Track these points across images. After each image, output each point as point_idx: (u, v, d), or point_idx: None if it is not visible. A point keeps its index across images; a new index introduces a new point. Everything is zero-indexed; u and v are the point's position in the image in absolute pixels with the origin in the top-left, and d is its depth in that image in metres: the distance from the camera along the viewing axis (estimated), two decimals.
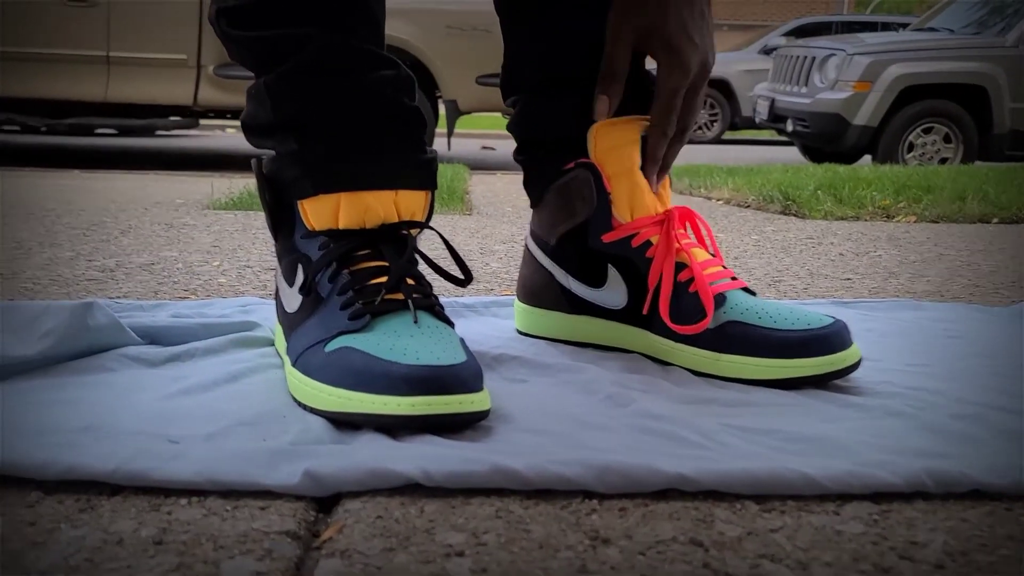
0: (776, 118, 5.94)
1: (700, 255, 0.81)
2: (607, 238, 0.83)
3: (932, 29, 5.94)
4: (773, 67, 6.27)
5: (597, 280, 0.85)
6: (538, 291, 0.89)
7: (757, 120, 6.38)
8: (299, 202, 0.73)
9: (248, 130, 0.78)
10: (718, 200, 2.63)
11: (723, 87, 8.44)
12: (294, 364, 0.70)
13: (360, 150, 0.73)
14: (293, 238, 0.75)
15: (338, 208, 0.72)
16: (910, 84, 5.24)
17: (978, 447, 0.62)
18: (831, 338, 0.75)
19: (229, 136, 6.93)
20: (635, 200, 0.83)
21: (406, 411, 0.60)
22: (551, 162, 0.86)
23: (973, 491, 0.55)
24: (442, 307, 0.71)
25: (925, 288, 1.29)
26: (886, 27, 8.44)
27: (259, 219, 1.78)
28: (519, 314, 0.92)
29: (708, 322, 0.77)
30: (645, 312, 0.81)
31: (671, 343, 0.80)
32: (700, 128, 8.47)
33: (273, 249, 0.79)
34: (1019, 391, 0.74)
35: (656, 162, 0.83)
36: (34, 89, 4.05)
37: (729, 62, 8.38)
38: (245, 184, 2.45)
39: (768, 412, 0.69)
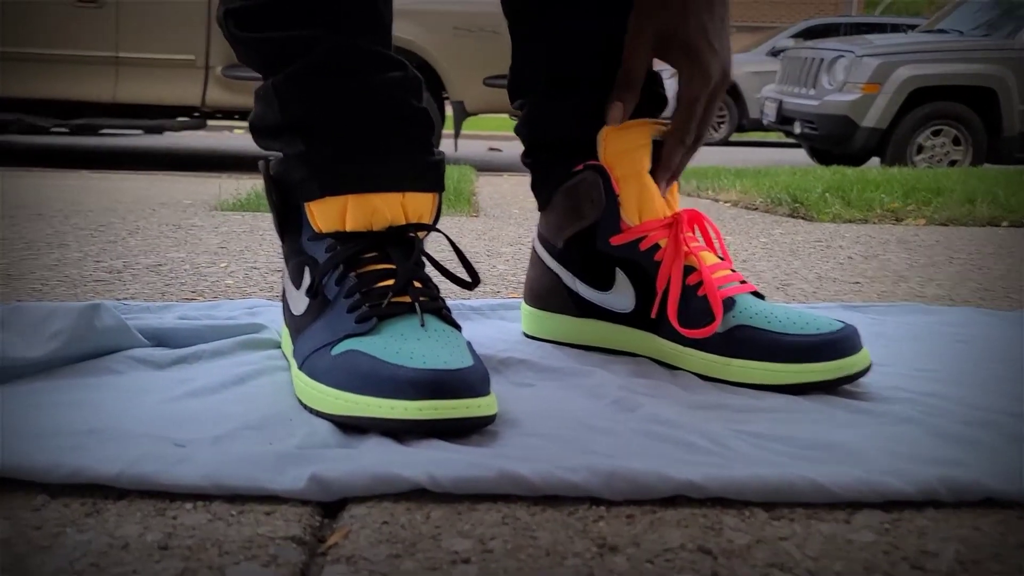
0: (784, 120, 5.93)
1: (709, 258, 0.81)
2: (615, 241, 0.83)
3: (941, 31, 5.92)
4: (781, 69, 6.26)
5: (605, 283, 0.84)
6: (545, 294, 0.89)
7: (765, 122, 6.37)
8: (306, 204, 0.73)
9: (256, 132, 0.78)
10: (726, 202, 2.62)
11: (731, 89, 8.42)
12: (300, 367, 0.69)
13: (367, 152, 0.73)
14: (300, 240, 0.75)
15: (345, 210, 0.72)
16: (919, 86, 5.22)
17: (990, 453, 0.61)
18: (841, 343, 0.75)
19: (237, 137, 6.94)
20: (644, 203, 0.82)
21: (413, 415, 0.60)
22: (559, 164, 0.86)
23: (985, 499, 0.55)
24: (449, 310, 0.71)
25: (935, 292, 1.28)
26: (895, 29, 8.41)
27: (266, 220, 1.78)
28: (526, 317, 0.92)
29: (717, 326, 0.76)
30: (653, 316, 0.81)
31: (679, 347, 0.79)
32: None
33: (280, 251, 0.79)
34: None
35: (670, 169, 0.83)
36: (43, 90, 4.07)
37: (737, 64, 8.31)
38: (253, 185, 2.45)
39: (777, 418, 0.69)
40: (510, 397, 0.70)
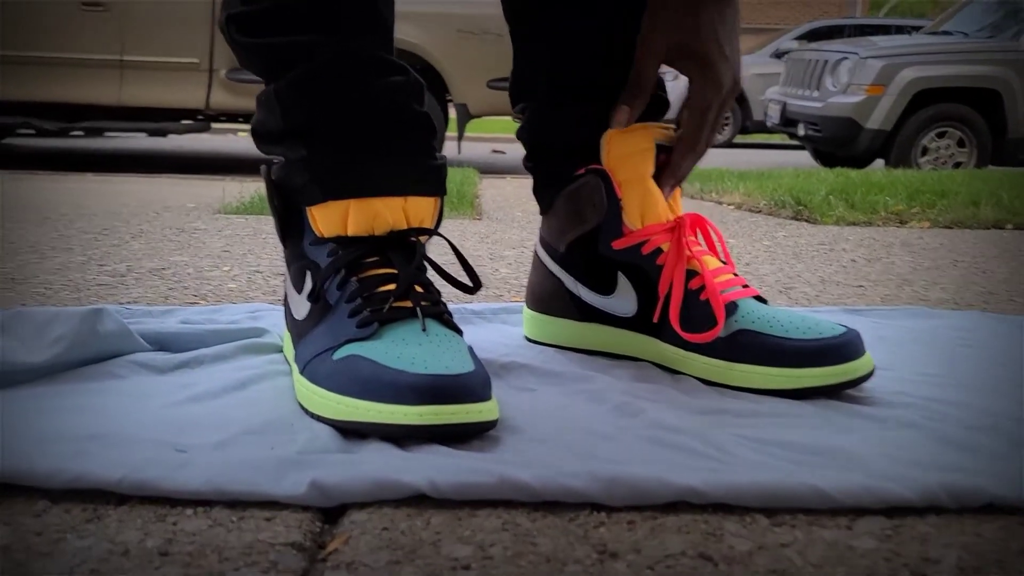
0: (788, 122, 5.92)
1: (711, 263, 0.81)
2: (617, 245, 0.83)
3: (946, 32, 5.91)
4: (785, 71, 6.25)
5: (607, 287, 0.84)
6: (547, 298, 0.89)
7: (768, 124, 6.36)
8: (308, 209, 0.73)
9: (258, 137, 0.78)
10: (729, 205, 2.62)
11: None
12: (302, 372, 0.70)
13: (369, 156, 0.73)
14: (302, 244, 0.75)
15: (347, 215, 0.72)
16: (924, 88, 5.21)
17: (993, 459, 0.61)
18: (844, 347, 0.74)
19: (240, 140, 6.95)
20: (646, 207, 0.82)
21: (413, 421, 0.60)
22: (561, 168, 0.86)
23: (987, 505, 0.55)
24: (451, 315, 0.71)
25: (939, 295, 1.28)
26: (900, 30, 8.40)
27: (270, 224, 1.78)
28: (528, 321, 0.92)
29: (719, 330, 0.76)
30: (655, 320, 0.81)
31: (681, 352, 0.79)
32: None
33: (283, 254, 0.79)
34: None
35: (676, 176, 0.83)
36: (49, 93, 4.08)
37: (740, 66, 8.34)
38: (256, 188, 2.45)
39: (779, 423, 0.68)
40: (511, 402, 0.70)
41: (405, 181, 0.73)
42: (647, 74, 0.82)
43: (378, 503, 0.53)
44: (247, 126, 5.17)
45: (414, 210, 0.73)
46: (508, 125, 8.30)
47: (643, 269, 0.82)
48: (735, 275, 0.82)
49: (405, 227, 0.73)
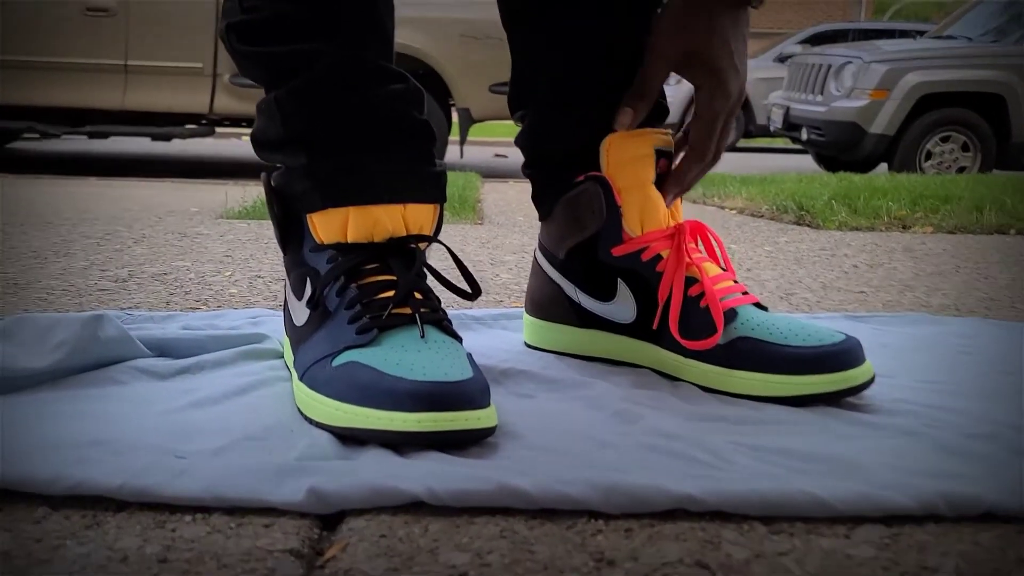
0: (791, 126, 5.92)
1: (711, 269, 0.81)
2: (617, 251, 0.83)
3: (950, 37, 5.90)
4: (788, 75, 6.25)
5: (606, 294, 0.84)
6: (547, 304, 0.89)
7: (772, 128, 6.36)
8: (308, 215, 0.74)
9: (258, 144, 0.78)
10: (731, 209, 2.62)
11: None
12: (301, 378, 0.70)
13: (369, 164, 0.73)
14: (302, 251, 0.75)
15: (347, 222, 0.72)
16: (928, 92, 5.21)
17: (993, 467, 0.61)
18: (843, 355, 0.74)
19: (244, 144, 6.97)
20: (646, 213, 0.82)
21: (412, 427, 0.60)
22: (560, 175, 0.86)
23: (985, 514, 0.54)
24: (450, 321, 0.71)
25: (941, 301, 1.27)
26: (903, 35, 8.40)
27: (271, 229, 1.79)
28: (527, 327, 0.92)
29: (718, 338, 0.76)
30: (655, 327, 0.81)
31: (681, 358, 0.79)
32: None
33: (283, 260, 0.79)
34: None
35: (681, 185, 0.83)
36: (54, 97, 4.10)
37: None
38: (259, 193, 2.46)
39: (779, 430, 0.68)
40: (510, 409, 0.70)
41: (404, 188, 0.73)
42: (655, 78, 0.82)
43: (376, 510, 0.53)
44: (250, 130, 5.19)
45: (413, 217, 0.73)
46: (510, 129, 8.30)
47: (643, 276, 0.82)
48: (735, 282, 0.82)
49: (404, 234, 0.73)
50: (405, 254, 0.73)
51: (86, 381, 0.74)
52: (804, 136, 5.73)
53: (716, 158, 0.84)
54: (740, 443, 0.64)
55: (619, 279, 0.83)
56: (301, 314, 0.74)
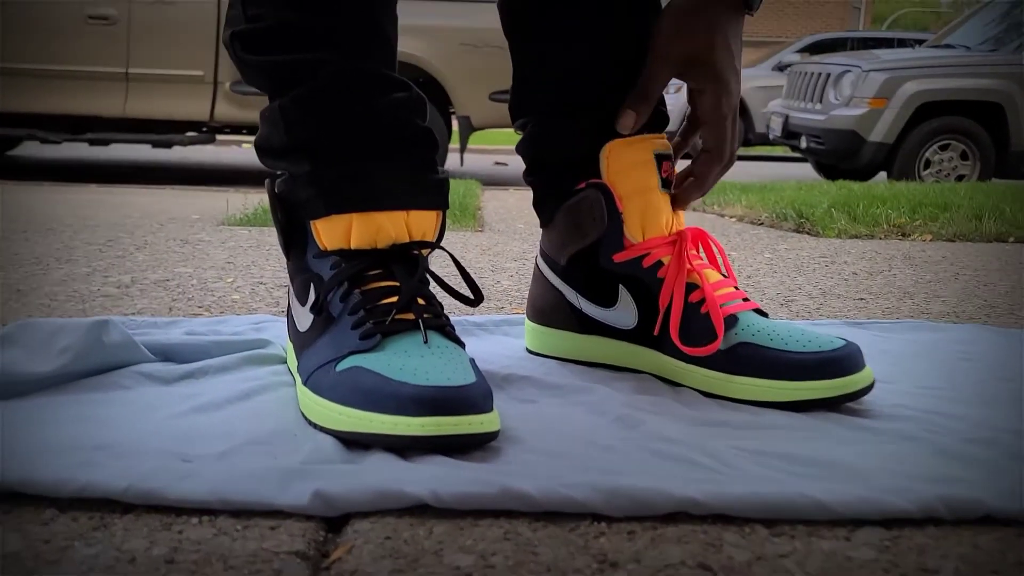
0: (790, 135, 5.93)
1: (712, 276, 0.81)
2: (618, 258, 0.83)
3: (948, 46, 5.92)
4: (787, 84, 6.27)
5: (608, 300, 0.85)
6: (548, 310, 0.90)
7: (771, 137, 6.37)
8: (311, 222, 0.74)
9: (262, 152, 0.79)
10: (731, 217, 2.63)
11: None
12: (305, 383, 0.70)
13: (372, 171, 0.74)
14: (305, 257, 0.76)
15: (350, 228, 0.73)
16: (926, 101, 5.22)
17: (992, 472, 0.61)
18: (843, 361, 0.75)
19: (245, 151, 6.98)
20: (647, 220, 0.83)
21: (416, 432, 0.61)
22: (562, 182, 0.87)
23: (985, 517, 0.55)
24: (452, 327, 0.72)
25: (940, 308, 1.28)
26: (902, 44, 8.42)
27: (273, 236, 1.79)
28: (529, 333, 0.93)
29: (719, 344, 0.77)
30: (656, 333, 0.82)
31: (682, 364, 0.80)
32: None
33: (286, 266, 0.79)
34: None
35: (703, 189, 0.84)
36: (55, 105, 4.11)
37: (743, 78, 8.35)
38: (260, 200, 2.47)
39: (779, 435, 0.69)
40: (513, 414, 0.71)
41: (407, 195, 0.74)
42: (657, 82, 0.83)
43: (381, 512, 0.53)
44: (251, 138, 5.20)
45: (416, 224, 0.74)
46: (511, 137, 8.33)
47: (644, 282, 0.82)
48: (735, 288, 0.82)
49: (407, 240, 0.74)
50: (408, 260, 0.73)
51: (91, 386, 0.74)
52: (803, 144, 5.74)
53: (733, 158, 0.85)
54: (741, 448, 0.65)
55: (620, 285, 0.84)
56: (305, 319, 0.74)
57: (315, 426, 0.67)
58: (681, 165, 0.89)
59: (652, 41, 0.83)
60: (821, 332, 0.79)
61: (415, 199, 0.74)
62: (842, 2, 19.70)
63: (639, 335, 0.83)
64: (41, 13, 4.03)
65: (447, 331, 0.70)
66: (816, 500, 0.55)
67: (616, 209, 0.83)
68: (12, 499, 0.53)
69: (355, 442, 0.63)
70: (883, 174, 5.44)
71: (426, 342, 0.67)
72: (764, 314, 0.82)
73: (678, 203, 0.86)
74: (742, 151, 9.06)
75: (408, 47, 4.06)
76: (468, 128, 4.44)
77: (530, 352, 0.92)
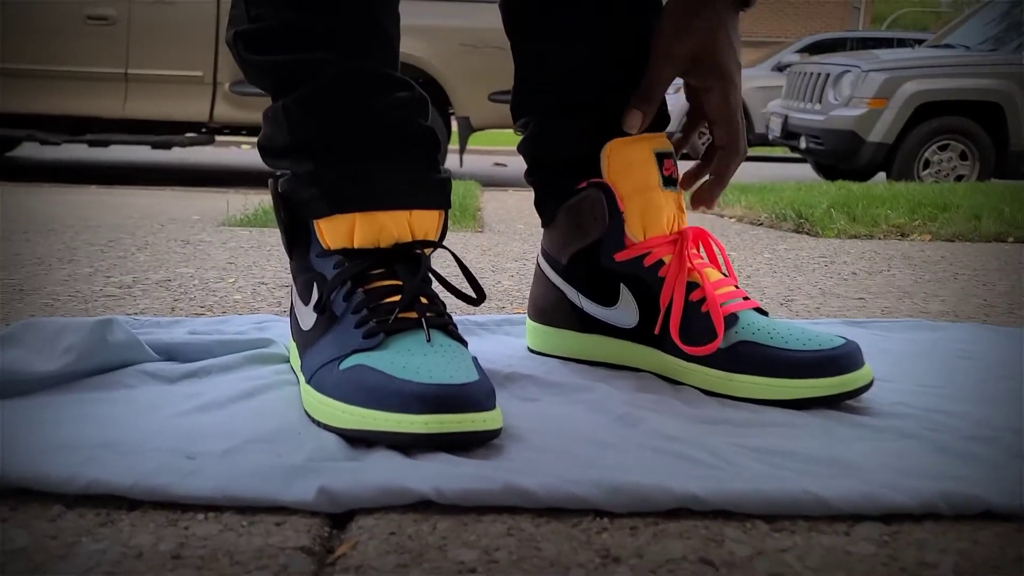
0: (789, 135, 5.94)
1: (712, 275, 0.82)
2: (619, 257, 0.84)
3: (948, 46, 5.93)
4: (786, 84, 6.27)
5: (609, 299, 0.85)
6: (549, 310, 0.90)
7: (770, 137, 6.38)
8: (315, 221, 0.75)
9: (265, 151, 0.79)
10: (731, 218, 2.63)
11: None
12: (309, 381, 0.71)
13: (375, 171, 0.74)
14: (308, 257, 0.76)
15: (353, 228, 0.73)
16: (926, 101, 5.23)
17: (991, 469, 0.62)
18: (842, 359, 0.75)
19: (244, 152, 6.99)
20: (648, 219, 0.83)
21: (419, 429, 0.61)
22: (563, 182, 0.87)
23: (984, 512, 0.55)
24: (455, 325, 0.72)
25: (939, 308, 1.28)
26: (901, 44, 8.43)
27: (273, 236, 1.80)
28: (530, 332, 0.93)
29: (719, 343, 0.77)
30: (656, 332, 0.82)
31: (682, 362, 0.80)
32: None
33: (287, 266, 0.80)
34: None
35: (723, 183, 0.86)
36: (54, 106, 4.12)
37: (742, 79, 8.37)
38: (260, 201, 2.47)
39: (779, 432, 0.69)
40: (515, 412, 0.71)
41: (410, 195, 0.74)
42: (662, 81, 0.83)
43: (385, 509, 0.54)
44: (251, 139, 5.21)
45: (419, 223, 0.75)
46: (510, 138, 8.33)
47: (645, 281, 0.83)
48: (736, 287, 0.83)
49: (410, 240, 0.74)
50: (411, 260, 0.74)
51: (95, 384, 0.74)
52: (803, 145, 5.75)
53: (747, 149, 0.86)
54: (742, 445, 0.65)
55: (621, 284, 0.84)
56: (308, 319, 0.75)
57: (319, 424, 0.67)
58: (682, 165, 0.89)
59: (654, 41, 0.83)
60: (821, 331, 0.79)
61: (417, 198, 0.74)
62: (842, 2, 19.72)
63: (640, 334, 0.84)
64: (40, 13, 4.03)
65: (450, 330, 0.71)
66: (816, 496, 0.55)
67: (617, 208, 0.84)
68: (19, 496, 0.54)
69: (359, 439, 0.64)
70: (882, 174, 5.45)
71: (429, 341, 0.68)
72: (764, 313, 0.82)
73: (703, 202, 0.87)
74: None
75: (407, 47, 4.03)
76: (467, 129, 4.45)
77: (532, 351, 0.93)
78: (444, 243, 0.77)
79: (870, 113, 5.26)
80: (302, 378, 0.73)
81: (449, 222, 1.86)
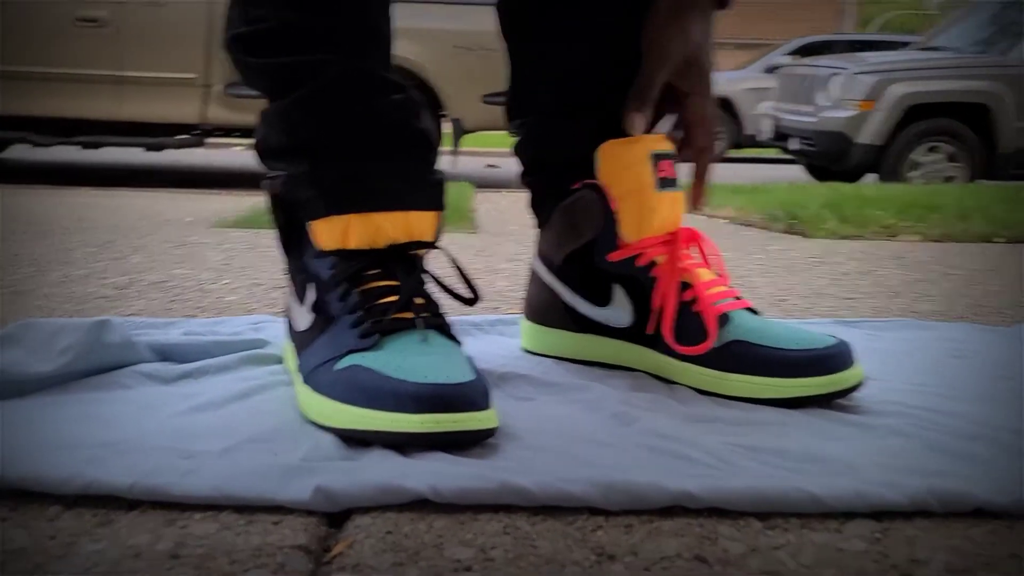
0: (780, 136, 5.97)
1: (705, 275, 0.83)
2: (613, 257, 0.85)
3: (937, 48, 5.96)
4: (777, 86, 6.30)
5: (602, 299, 0.86)
6: (544, 310, 0.91)
7: (761, 138, 6.41)
8: (310, 222, 0.75)
9: (261, 152, 0.80)
10: (722, 219, 2.64)
11: (727, 105, 8.47)
12: (304, 381, 0.71)
13: (371, 172, 0.74)
14: (304, 258, 0.76)
15: (349, 229, 0.73)
16: (915, 103, 5.26)
17: (981, 466, 0.62)
18: (834, 358, 0.76)
19: (237, 154, 6.97)
20: (642, 220, 0.84)
21: (415, 428, 0.61)
22: (558, 183, 0.88)
23: (975, 510, 0.56)
24: (450, 326, 0.72)
25: (928, 308, 1.29)
26: (890, 46, 8.47)
27: (267, 237, 1.80)
28: (525, 333, 0.94)
29: (711, 343, 0.78)
30: (650, 331, 0.83)
31: (676, 362, 0.81)
32: None
33: (282, 267, 0.80)
34: (1022, 410, 0.75)
35: (705, 183, 0.87)
36: (47, 108, 4.10)
37: (733, 80, 8.42)
38: (253, 202, 2.47)
39: (772, 431, 0.70)
40: (510, 411, 0.72)
41: (406, 196, 0.75)
42: (656, 84, 0.83)
43: (382, 508, 0.54)
44: (244, 140, 5.21)
45: (415, 224, 0.75)
46: (502, 140, 8.29)
47: (638, 281, 0.84)
48: (729, 288, 0.83)
49: (405, 241, 0.74)
50: (406, 260, 0.74)
51: (92, 385, 0.75)
52: (794, 146, 5.77)
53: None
54: (735, 443, 0.66)
55: (615, 284, 0.85)
56: (304, 319, 0.75)
57: (315, 424, 0.68)
58: None
59: (644, 41, 0.83)
60: (812, 330, 0.80)
61: (414, 200, 0.75)
62: (831, 5, 19.80)
63: (634, 334, 0.84)
64: (32, 15, 4.02)
65: (445, 330, 0.71)
66: (809, 493, 0.56)
67: (611, 209, 0.84)
68: (17, 496, 0.54)
69: (355, 439, 0.64)
70: (872, 175, 5.48)
71: (424, 341, 0.68)
72: (757, 312, 0.83)
73: (695, 203, 0.88)
74: (732, 153, 9.10)
75: (400, 50, 4.04)
76: (460, 131, 4.45)
77: (526, 351, 0.93)
78: (439, 244, 0.78)
79: (860, 115, 5.29)
80: (298, 378, 0.73)
81: (443, 223, 1.85)
